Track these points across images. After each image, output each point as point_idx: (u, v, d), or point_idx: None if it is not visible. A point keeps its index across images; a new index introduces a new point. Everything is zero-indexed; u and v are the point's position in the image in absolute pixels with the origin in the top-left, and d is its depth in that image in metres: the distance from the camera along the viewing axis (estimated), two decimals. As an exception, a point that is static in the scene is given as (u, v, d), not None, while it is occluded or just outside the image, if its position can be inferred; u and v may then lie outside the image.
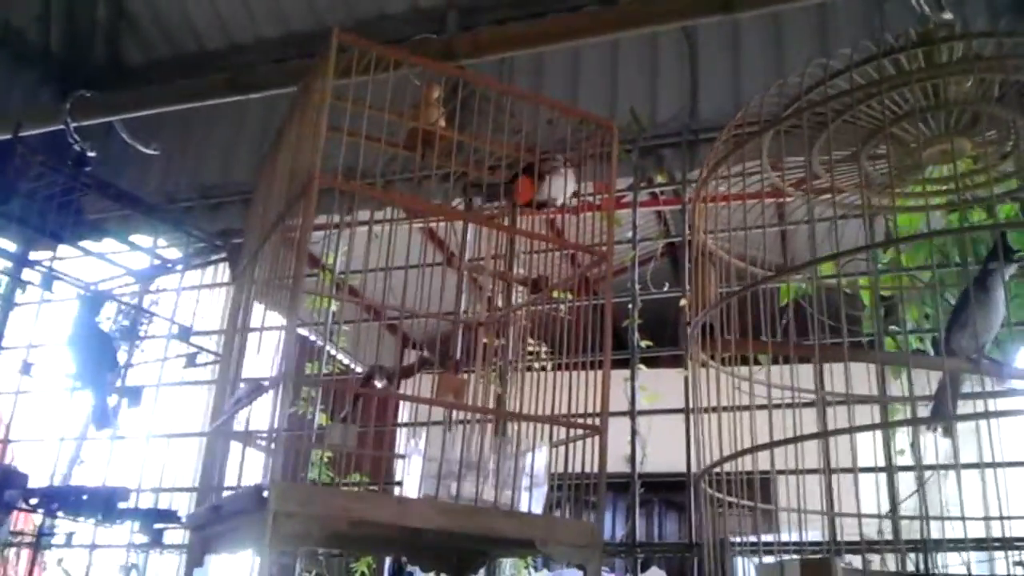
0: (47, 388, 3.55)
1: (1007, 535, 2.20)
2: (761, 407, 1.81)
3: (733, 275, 1.88)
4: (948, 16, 1.73)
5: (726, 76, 3.76)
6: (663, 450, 3.80)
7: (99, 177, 3.26)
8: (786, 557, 2.57)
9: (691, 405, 2.97)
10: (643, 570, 4.02)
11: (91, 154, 3.11)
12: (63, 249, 3.41)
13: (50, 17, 4.43)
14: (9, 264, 3.40)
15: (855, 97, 1.60)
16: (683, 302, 3.38)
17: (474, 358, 2.18)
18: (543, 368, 2.03)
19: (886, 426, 2.29)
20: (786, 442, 1.69)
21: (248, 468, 1.77)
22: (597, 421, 1.81)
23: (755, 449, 1.66)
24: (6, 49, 4.27)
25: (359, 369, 5.24)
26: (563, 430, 1.88)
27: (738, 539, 2.11)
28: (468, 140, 2.02)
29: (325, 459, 3.77)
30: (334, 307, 3.71)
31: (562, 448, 1.87)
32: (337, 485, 3.14)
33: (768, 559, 2.14)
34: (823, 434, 1.77)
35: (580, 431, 1.82)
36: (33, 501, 2.82)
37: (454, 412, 2.08)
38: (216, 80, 3.47)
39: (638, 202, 3.56)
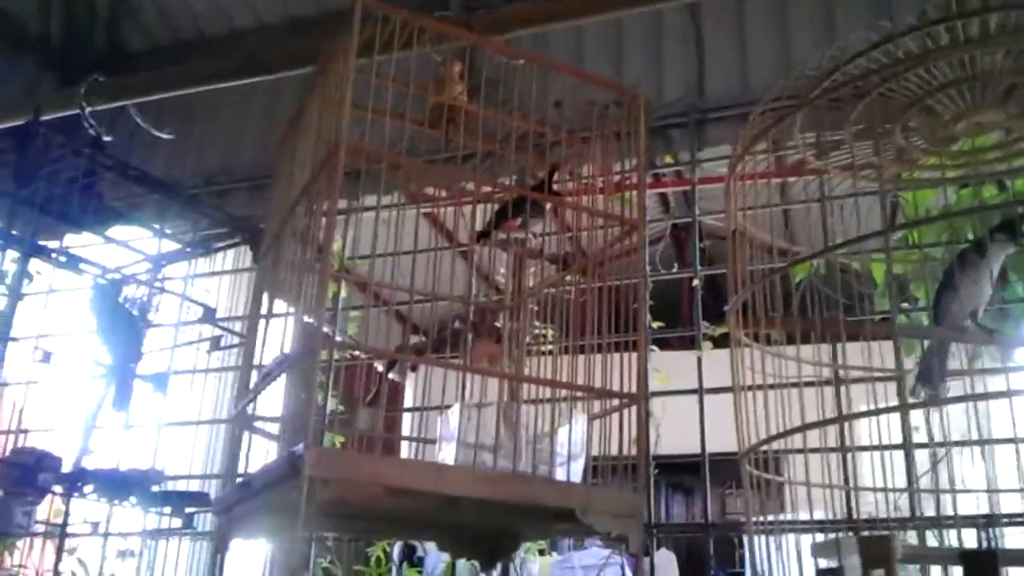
0: (65, 375, 3.52)
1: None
2: (793, 385, 1.81)
3: (763, 252, 1.87)
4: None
5: (732, 55, 3.72)
6: (673, 432, 3.79)
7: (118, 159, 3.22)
8: (805, 536, 2.58)
9: (732, 384, 2.96)
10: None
11: (107, 138, 3.08)
12: (77, 235, 3.37)
13: (50, 4, 4.39)
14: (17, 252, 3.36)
15: (896, 71, 1.58)
16: (696, 282, 3.38)
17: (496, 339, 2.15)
18: (565, 349, 2.00)
19: (905, 408, 2.28)
20: (824, 424, 1.68)
21: (270, 452, 1.75)
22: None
23: (799, 430, 1.65)
24: (6, 36, 4.24)
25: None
26: (598, 407, 1.84)
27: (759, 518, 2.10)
28: (493, 115, 1.97)
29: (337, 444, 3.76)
30: (343, 293, 3.69)
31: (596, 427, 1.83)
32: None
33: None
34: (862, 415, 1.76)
35: (617, 403, 1.78)
36: (66, 484, 2.79)
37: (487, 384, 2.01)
38: (232, 61, 3.41)
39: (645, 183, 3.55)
